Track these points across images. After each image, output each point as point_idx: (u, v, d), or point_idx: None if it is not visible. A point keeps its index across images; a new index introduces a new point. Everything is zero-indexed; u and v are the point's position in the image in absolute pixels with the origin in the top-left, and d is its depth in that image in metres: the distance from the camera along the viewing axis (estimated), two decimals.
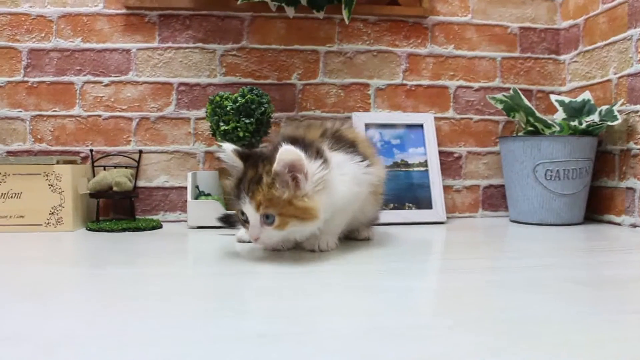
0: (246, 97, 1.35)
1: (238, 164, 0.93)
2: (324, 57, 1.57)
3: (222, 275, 0.84)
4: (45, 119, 1.49)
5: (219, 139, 1.38)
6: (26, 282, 0.78)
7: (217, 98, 1.36)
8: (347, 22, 1.48)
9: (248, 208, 0.88)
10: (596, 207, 1.52)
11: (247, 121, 1.34)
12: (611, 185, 1.46)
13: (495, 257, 1.01)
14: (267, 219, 0.87)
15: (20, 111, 1.49)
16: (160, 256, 1.02)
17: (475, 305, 0.66)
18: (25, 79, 1.49)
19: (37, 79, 1.49)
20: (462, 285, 0.77)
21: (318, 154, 0.91)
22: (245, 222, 0.91)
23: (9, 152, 1.48)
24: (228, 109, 1.34)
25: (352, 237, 1.15)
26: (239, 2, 1.41)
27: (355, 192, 0.96)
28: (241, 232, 1.12)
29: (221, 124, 1.36)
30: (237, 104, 1.34)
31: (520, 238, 1.26)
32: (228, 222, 1.26)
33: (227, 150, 0.93)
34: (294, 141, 0.90)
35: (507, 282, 0.78)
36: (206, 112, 1.38)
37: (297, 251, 1.01)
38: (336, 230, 1.03)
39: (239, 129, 1.35)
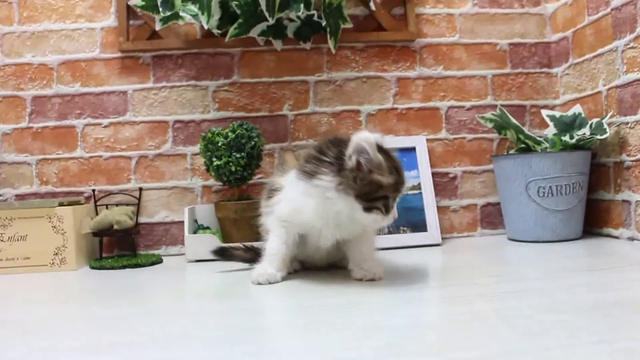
0: (236, 132, 1.39)
1: (377, 157, 0.93)
2: (314, 87, 1.60)
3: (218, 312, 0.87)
4: (49, 162, 1.56)
5: (213, 174, 1.42)
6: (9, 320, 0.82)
7: (209, 134, 1.41)
8: (333, 51, 1.51)
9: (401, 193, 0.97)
10: (594, 221, 1.50)
11: (238, 155, 1.38)
12: (608, 198, 1.44)
13: (483, 284, 1.01)
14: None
15: (27, 156, 1.56)
16: (153, 292, 1.05)
17: (439, 344, 0.67)
18: (30, 124, 1.56)
19: (41, 125, 1.56)
20: (437, 319, 0.78)
21: None
22: (389, 209, 0.95)
23: (18, 196, 1.55)
24: (219, 144, 1.38)
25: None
26: (227, 40, 1.46)
27: None
28: (257, 273, 1.06)
29: (214, 159, 1.40)
30: (228, 139, 1.38)
31: (514, 259, 1.26)
32: (223, 255, 1.29)
33: (372, 141, 0.92)
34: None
35: (491, 313, 0.78)
36: (200, 148, 1.43)
37: (283, 286, 1.04)
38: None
39: (230, 164, 1.38)
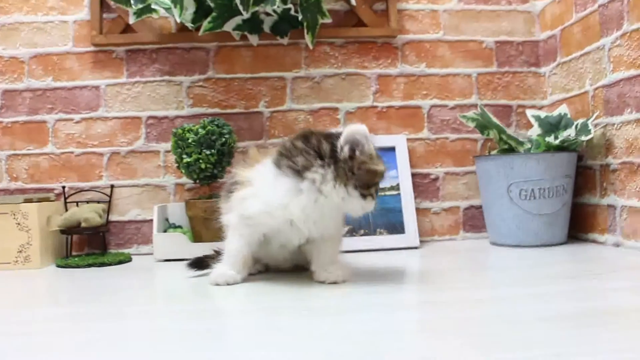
0: (207, 129, 1.34)
1: (371, 147, 0.96)
2: (291, 83, 1.55)
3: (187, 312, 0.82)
4: (20, 157, 1.52)
5: (183, 171, 1.38)
6: None
7: (180, 131, 1.36)
8: (311, 46, 1.47)
9: None
10: (580, 226, 1.44)
11: (208, 152, 1.34)
12: (593, 202, 1.39)
13: (454, 289, 0.96)
14: None
15: None
16: (113, 292, 1.01)
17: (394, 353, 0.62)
18: (0, 119, 1.52)
19: (11, 119, 1.52)
20: (393, 327, 0.73)
21: None
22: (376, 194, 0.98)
23: None
24: (190, 141, 1.34)
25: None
26: (200, 34, 1.42)
27: None
28: (216, 274, 1.02)
29: (184, 156, 1.35)
30: (198, 136, 1.34)
31: (493, 264, 1.20)
32: (199, 266, 1.17)
33: (366, 133, 0.95)
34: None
35: (450, 321, 0.73)
36: (171, 144, 1.38)
37: (243, 288, 0.99)
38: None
39: (200, 161, 1.34)
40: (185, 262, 1.17)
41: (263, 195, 0.96)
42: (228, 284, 1.00)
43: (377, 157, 0.97)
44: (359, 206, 0.95)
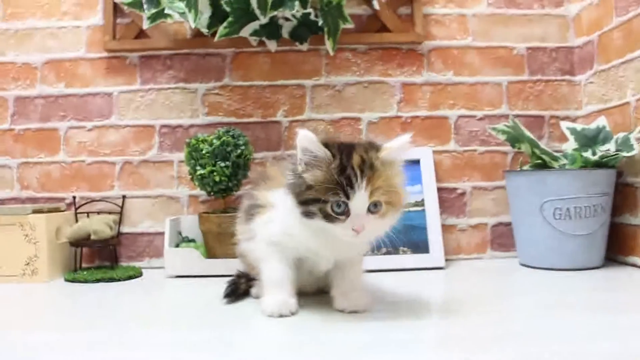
0: (222, 139, 1.28)
1: (323, 153, 0.82)
2: (311, 92, 1.48)
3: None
4: (31, 165, 1.48)
5: (197, 183, 1.32)
6: None
7: (194, 141, 1.30)
8: (331, 53, 1.39)
9: (360, 195, 0.79)
10: (619, 248, 1.34)
11: (223, 165, 1.28)
12: (634, 222, 1.28)
13: (486, 322, 0.87)
14: (374, 207, 0.81)
15: (8, 159, 1.48)
16: (116, 313, 0.95)
17: None
18: (12, 126, 1.48)
19: (23, 126, 1.48)
20: None
21: None
22: (339, 215, 0.80)
23: None
24: (204, 152, 1.28)
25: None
26: (216, 39, 1.35)
27: None
28: (273, 302, 0.91)
29: (198, 167, 1.29)
30: (213, 147, 1.28)
31: (523, 289, 1.11)
32: (236, 296, 1.04)
33: (310, 137, 0.82)
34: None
35: None
36: (184, 155, 1.32)
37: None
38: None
39: (215, 173, 1.28)
40: (222, 294, 1.04)
41: (285, 219, 0.88)
42: (292, 314, 0.90)
43: (308, 163, 0.83)
44: (333, 230, 0.82)
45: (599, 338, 0.74)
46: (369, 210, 0.80)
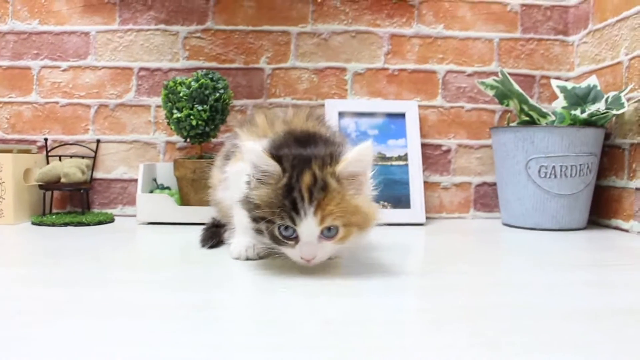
0: (200, 82, 1.23)
1: (273, 168, 0.72)
2: (296, 39, 1.42)
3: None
4: (1, 105, 1.42)
5: (173, 127, 1.27)
6: None
7: (171, 83, 1.25)
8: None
9: (308, 222, 0.69)
10: (602, 210, 1.31)
11: (201, 108, 1.22)
12: (620, 185, 1.26)
13: (466, 272, 0.84)
14: (328, 232, 0.71)
15: None
16: (81, 255, 0.91)
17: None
18: None
19: None
20: (378, 314, 0.62)
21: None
22: (288, 239, 0.72)
23: None
24: (181, 94, 1.23)
25: None
26: None
27: None
28: (240, 247, 0.88)
29: (174, 111, 1.24)
30: (191, 89, 1.22)
31: (504, 246, 1.09)
32: (214, 239, 0.99)
33: (257, 151, 0.72)
34: (308, 138, 0.76)
35: (465, 310, 0.62)
36: (162, 98, 1.27)
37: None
38: None
39: (191, 117, 1.23)
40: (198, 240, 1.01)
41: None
42: (260, 258, 0.87)
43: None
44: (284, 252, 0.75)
45: (578, 293, 0.72)
46: (324, 235, 0.71)
